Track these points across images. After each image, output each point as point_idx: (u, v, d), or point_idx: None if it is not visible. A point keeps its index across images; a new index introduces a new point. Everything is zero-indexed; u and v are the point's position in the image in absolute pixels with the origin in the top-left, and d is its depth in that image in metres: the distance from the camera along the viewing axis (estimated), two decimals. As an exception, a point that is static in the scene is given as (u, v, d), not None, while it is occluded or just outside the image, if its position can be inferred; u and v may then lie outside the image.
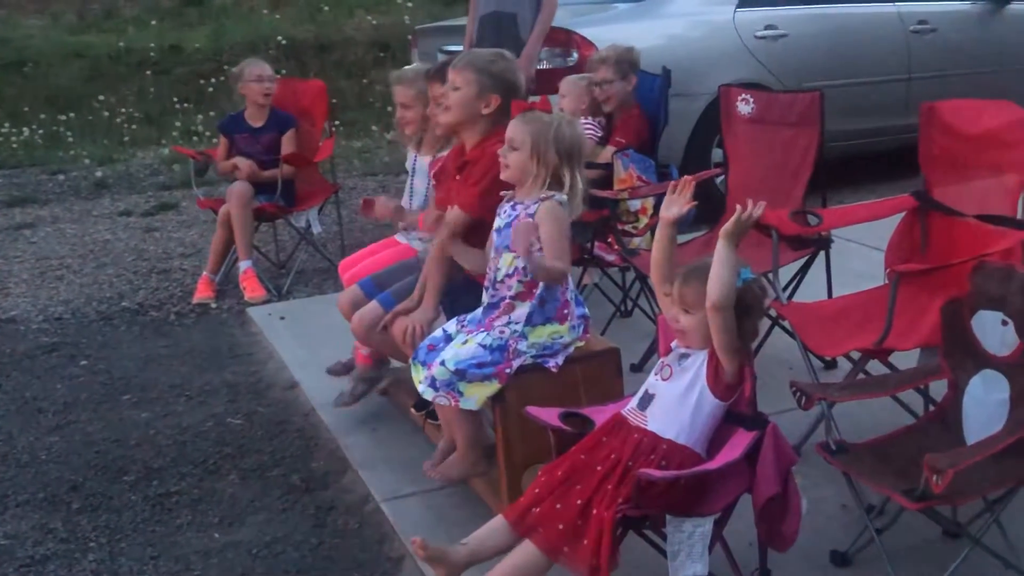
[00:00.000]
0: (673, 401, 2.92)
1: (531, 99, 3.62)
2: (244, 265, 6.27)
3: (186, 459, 4.37)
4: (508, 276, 3.43)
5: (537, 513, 2.82)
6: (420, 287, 3.89)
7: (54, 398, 5.04)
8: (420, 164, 4.66)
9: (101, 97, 12.19)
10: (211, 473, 4.25)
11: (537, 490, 2.88)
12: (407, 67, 4.89)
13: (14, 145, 11.16)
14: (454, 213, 3.78)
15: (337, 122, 10.55)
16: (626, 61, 5.31)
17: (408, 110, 4.69)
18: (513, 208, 3.44)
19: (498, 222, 3.48)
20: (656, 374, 2.99)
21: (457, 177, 3.85)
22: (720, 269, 2.80)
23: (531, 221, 3.29)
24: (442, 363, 3.37)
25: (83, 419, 4.80)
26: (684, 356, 2.95)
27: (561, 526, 2.75)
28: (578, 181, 3.38)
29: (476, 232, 3.73)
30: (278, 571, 3.55)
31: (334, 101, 9.91)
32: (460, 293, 3.80)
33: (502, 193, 3.52)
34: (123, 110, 11.97)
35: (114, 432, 4.66)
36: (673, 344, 3.02)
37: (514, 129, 3.40)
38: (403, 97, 4.69)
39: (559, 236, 3.33)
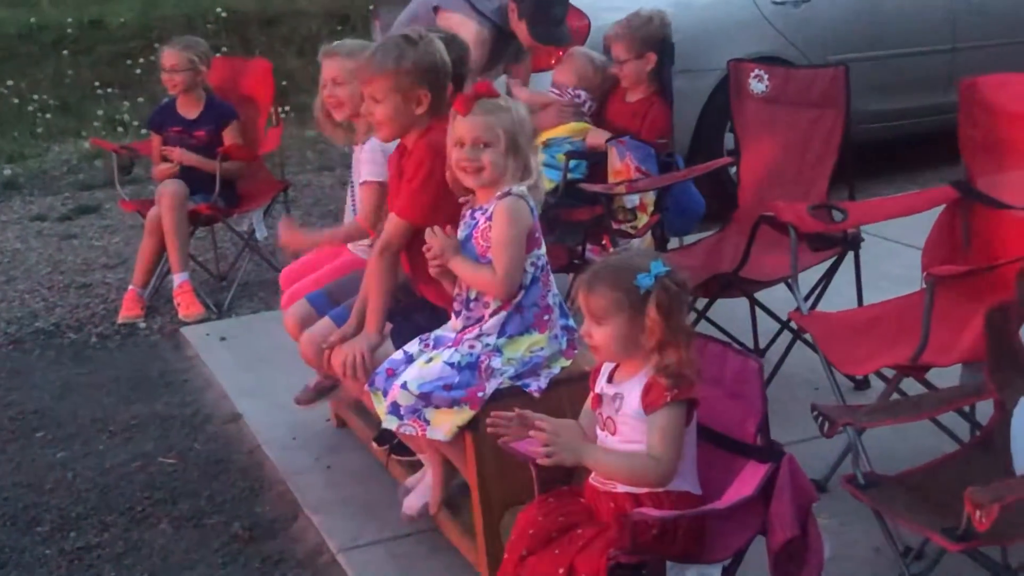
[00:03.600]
0: None
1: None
2: (179, 278, 6.29)
3: (109, 506, 4.39)
4: (483, 293, 3.47)
5: None
6: (359, 309, 3.91)
7: (-46, 436, 5.06)
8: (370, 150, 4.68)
9: (10, 82, 12.20)
10: (139, 522, 4.27)
11: (514, 563, 2.88)
12: (344, 41, 4.84)
13: (-94, 140, 11.17)
14: (389, 220, 3.80)
15: (287, 108, 10.56)
16: (639, 36, 5.26)
17: (341, 87, 4.46)
18: (472, 216, 3.48)
19: (460, 233, 3.51)
20: (601, 429, 2.94)
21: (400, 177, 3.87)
22: (609, 470, 2.84)
23: None
24: (404, 386, 3.39)
25: (-11, 461, 4.82)
26: (617, 397, 2.89)
27: None
28: (537, 160, 3.49)
29: (420, 241, 3.67)
30: (217, 636, 3.58)
31: (283, 83, 9.94)
32: (407, 313, 3.84)
33: (461, 200, 3.54)
34: (36, 97, 11.96)
35: (25, 476, 4.68)
36: (599, 388, 2.96)
37: (478, 125, 3.40)
38: (334, 71, 4.46)
39: (503, 235, 3.37)
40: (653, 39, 5.27)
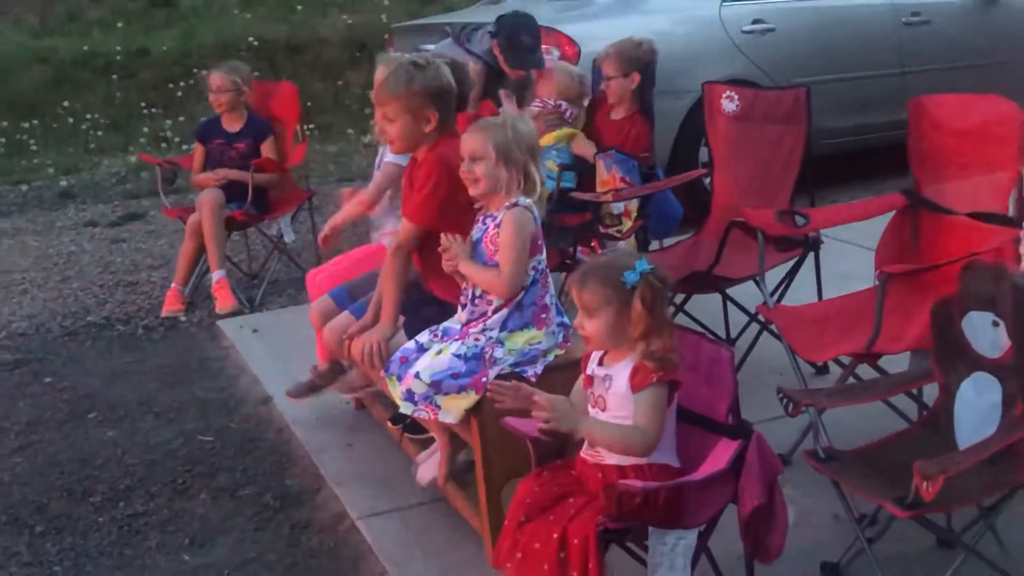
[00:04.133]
0: None
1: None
2: (216, 276, 6.28)
3: (154, 479, 4.39)
4: (488, 291, 3.46)
5: (520, 559, 2.82)
6: (375, 303, 3.90)
7: (17, 417, 5.05)
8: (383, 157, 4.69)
9: (66, 103, 12.16)
10: (181, 493, 4.27)
11: (513, 529, 2.88)
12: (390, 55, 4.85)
13: (-26, 154, 11.16)
14: (402, 224, 3.81)
15: (311, 125, 10.56)
16: (627, 57, 5.25)
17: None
18: (483, 222, 3.47)
19: (473, 235, 3.51)
20: (592, 406, 2.94)
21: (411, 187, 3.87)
22: (600, 438, 2.85)
23: None
24: (417, 375, 3.39)
25: (47, 439, 4.81)
26: (607, 378, 2.90)
27: (546, 566, 2.75)
28: (538, 174, 3.43)
29: (431, 242, 3.70)
30: (251, 592, 3.58)
31: (308, 104, 9.94)
32: (418, 307, 3.82)
33: (476, 206, 3.53)
34: (88, 116, 11.95)
35: (79, 452, 4.67)
36: (591, 369, 2.96)
37: (470, 142, 3.42)
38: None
39: (510, 242, 3.36)
40: (639, 61, 5.27)
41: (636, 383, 2.80)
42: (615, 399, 2.86)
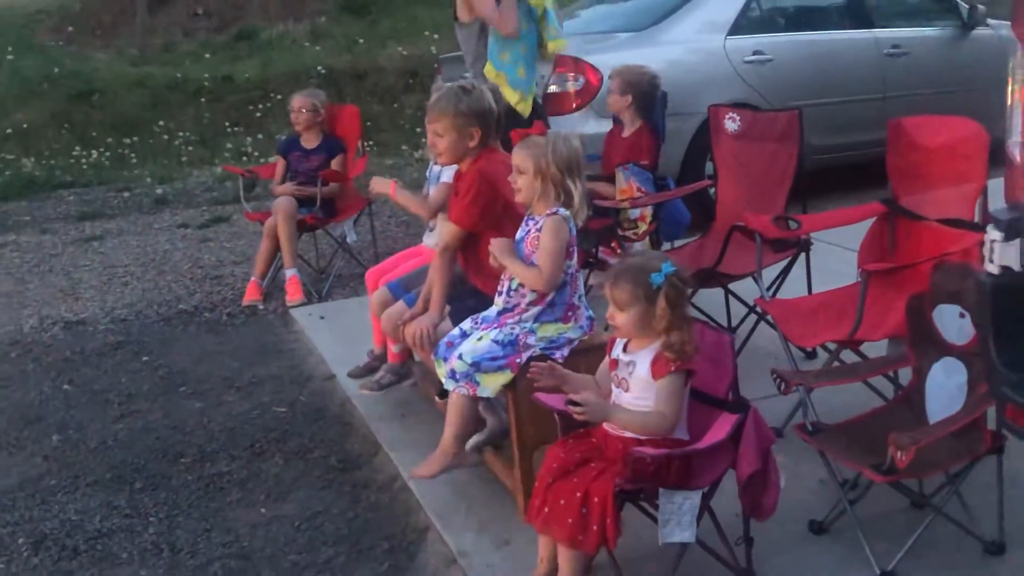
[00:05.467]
0: (639, 407, 2.89)
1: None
2: (289, 273, 6.31)
3: (236, 443, 4.41)
4: (523, 285, 3.46)
5: (547, 513, 2.84)
6: (425, 294, 3.91)
7: (119, 390, 5.09)
8: (436, 173, 4.69)
9: (161, 122, 12.26)
10: (258, 455, 4.29)
11: (542, 489, 2.89)
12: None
13: (84, 166, 11.23)
14: (447, 227, 3.82)
15: (371, 142, 10.58)
16: (627, 80, 5.25)
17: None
18: (527, 224, 3.48)
19: (517, 234, 3.51)
20: (617, 387, 2.95)
21: (456, 195, 3.88)
22: (628, 424, 2.85)
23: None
24: (460, 357, 3.40)
25: (145, 409, 4.85)
26: (631, 363, 2.90)
27: (570, 520, 2.76)
28: (579, 190, 3.39)
29: (473, 243, 3.73)
30: (318, 541, 3.59)
31: (368, 123, 9.97)
32: (462, 298, 3.83)
33: (526, 211, 3.52)
34: (181, 134, 12.04)
35: (172, 420, 4.70)
36: (617, 354, 2.96)
37: (517, 156, 3.43)
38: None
39: (548, 246, 3.35)
40: (635, 86, 5.25)
41: (657, 371, 2.81)
42: (638, 382, 2.86)
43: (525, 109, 5.45)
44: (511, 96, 5.57)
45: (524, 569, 3.11)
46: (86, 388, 5.15)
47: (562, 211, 3.37)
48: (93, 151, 11.63)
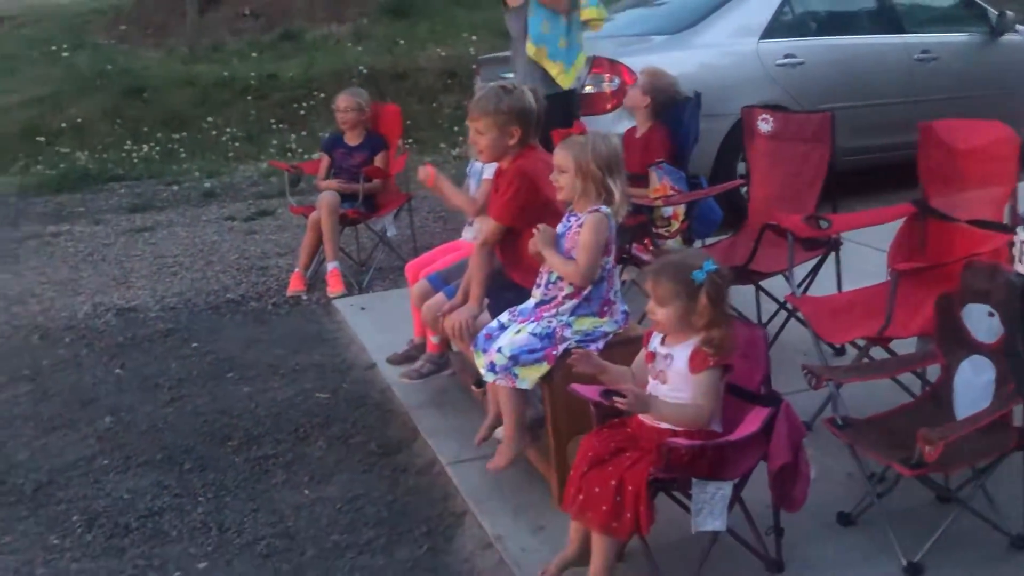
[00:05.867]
0: (675, 400, 2.89)
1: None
2: (331, 265, 6.33)
3: (281, 428, 4.44)
4: (560, 279, 3.46)
5: (582, 500, 2.84)
6: (464, 287, 3.91)
7: (169, 375, 5.14)
8: (477, 169, 4.70)
9: (209, 119, 12.32)
10: (302, 439, 4.32)
11: (577, 477, 2.89)
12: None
13: (135, 160, 11.32)
14: (486, 222, 3.83)
15: (410, 140, 10.60)
16: (653, 84, 5.22)
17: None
18: (568, 219, 3.48)
19: (558, 228, 3.50)
20: (654, 379, 2.94)
21: (496, 191, 3.89)
22: (667, 417, 2.84)
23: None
24: (499, 350, 3.41)
25: (194, 393, 4.89)
26: (668, 356, 2.89)
27: (605, 507, 2.77)
28: (619, 188, 3.38)
29: (511, 238, 3.74)
30: (359, 523, 3.61)
31: (407, 122, 9.97)
32: (500, 291, 3.83)
33: (567, 208, 3.52)
34: (228, 130, 12.10)
35: (219, 404, 4.74)
36: (654, 347, 2.95)
37: (558, 155, 3.43)
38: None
39: (587, 241, 3.35)
40: (658, 91, 5.22)
41: (695, 366, 2.81)
42: (675, 376, 2.86)
43: (565, 80, 5.44)
44: (551, 67, 5.57)
45: (557, 554, 3.12)
46: (137, 372, 5.21)
47: (604, 208, 3.37)
48: (144, 145, 11.71)
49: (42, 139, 11.79)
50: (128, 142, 11.79)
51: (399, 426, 4.37)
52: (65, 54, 14.52)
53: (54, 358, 5.49)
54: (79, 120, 12.22)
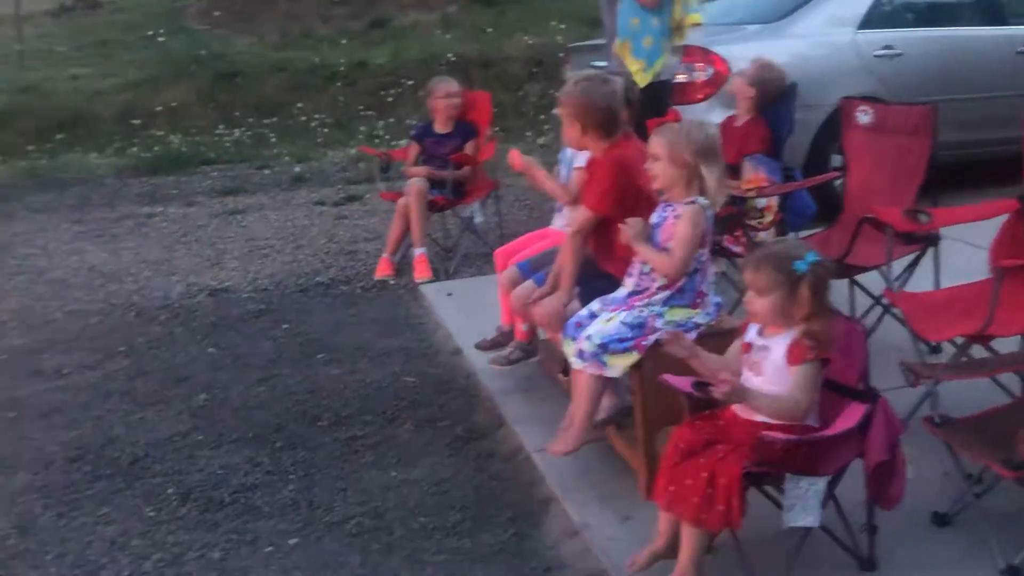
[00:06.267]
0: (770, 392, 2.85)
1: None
2: (418, 251, 6.38)
3: (369, 409, 4.50)
4: (655, 270, 3.43)
5: (673, 491, 2.82)
6: (554, 276, 3.91)
7: (261, 355, 5.24)
8: (568, 156, 4.69)
9: (299, 105, 12.51)
10: (390, 422, 4.37)
11: (668, 469, 2.88)
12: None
13: (227, 144, 11.54)
14: (579, 211, 3.82)
15: (496, 129, 10.59)
16: (762, 76, 5.15)
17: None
18: (663, 210, 3.46)
19: (652, 219, 3.48)
20: (748, 370, 2.90)
21: (590, 180, 3.87)
22: (763, 408, 2.80)
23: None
24: (588, 338, 3.40)
25: (284, 373, 4.98)
26: (765, 348, 2.85)
27: (696, 499, 2.75)
28: (715, 177, 3.35)
29: (603, 227, 3.72)
30: (446, 506, 3.65)
31: (493, 111, 9.98)
32: (591, 280, 3.81)
33: (661, 197, 3.50)
34: (317, 116, 12.26)
35: (309, 385, 4.82)
36: (751, 338, 2.91)
37: (652, 143, 3.41)
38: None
39: (684, 234, 3.32)
40: (765, 84, 5.14)
41: (793, 358, 2.77)
42: (771, 368, 2.82)
43: (642, 79, 5.39)
44: (632, 64, 5.55)
45: (644, 544, 3.10)
46: (230, 352, 5.32)
47: (701, 200, 3.34)
48: (236, 130, 11.95)
49: (137, 122, 12.09)
50: (221, 127, 12.02)
51: (485, 412, 4.39)
52: (161, 39, 14.85)
53: (149, 335, 5.63)
54: (173, 104, 12.50)
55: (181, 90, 12.89)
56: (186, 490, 3.89)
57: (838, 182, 5.17)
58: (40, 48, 15.64)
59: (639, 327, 3.37)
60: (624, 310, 3.43)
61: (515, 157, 4.26)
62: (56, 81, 13.57)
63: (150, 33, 15.46)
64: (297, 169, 10.25)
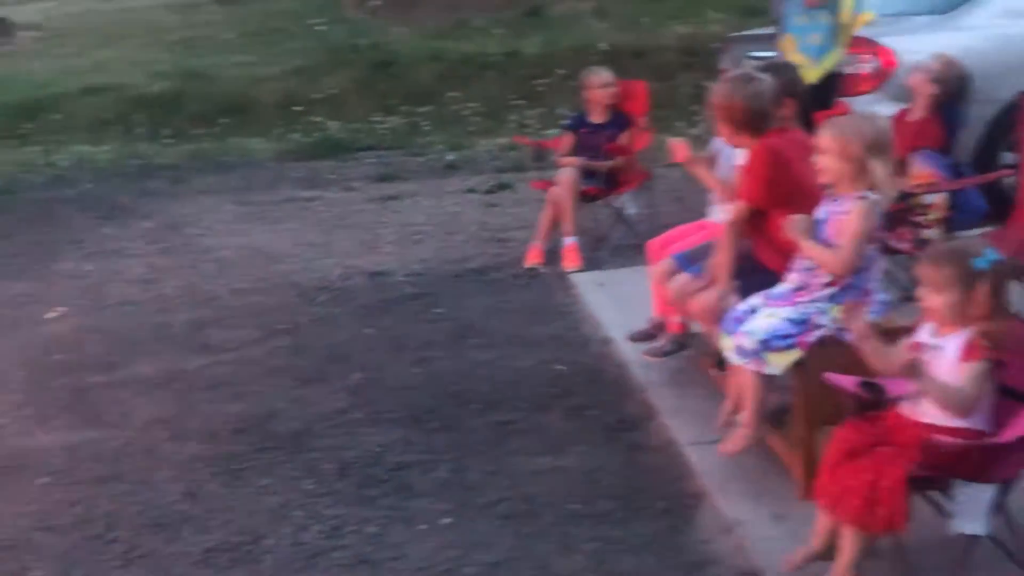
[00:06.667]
0: None
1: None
2: (569, 240, 6.39)
3: (519, 395, 4.54)
4: (819, 267, 3.36)
5: (835, 493, 2.78)
6: (712, 268, 3.87)
7: (415, 337, 5.35)
8: (728, 152, 4.62)
9: (452, 93, 12.68)
10: (539, 408, 4.40)
11: (830, 469, 2.83)
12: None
13: (383, 131, 11.79)
14: (736, 203, 3.76)
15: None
16: (944, 75, 5.06)
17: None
18: (830, 204, 3.38)
19: (817, 216, 3.42)
20: None
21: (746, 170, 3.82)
22: (932, 391, 2.71)
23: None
24: (748, 333, 3.36)
25: (438, 356, 5.07)
26: (937, 348, 2.76)
27: (858, 501, 2.69)
28: (885, 171, 3.25)
29: (762, 219, 3.66)
30: (597, 494, 3.66)
31: (647, 100, 9.93)
32: (750, 274, 3.76)
33: (827, 192, 3.43)
34: (469, 104, 12.40)
35: (461, 368, 4.89)
36: (923, 337, 2.82)
37: (821, 136, 3.34)
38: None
39: (854, 230, 3.25)
40: (946, 83, 5.02)
41: (967, 355, 2.68)
42: (943, 367, 2.73)
43: (812, 76, 5.26)
44: (797, 59, 5.44)
45: (799, 544, 3.06)
46: (385, 333, 5.45)
47: (871, 195, 3.25)
48: (391, 117, 12.20)
49: (298, 108, 12.48)
50: (377, 114, 12.29)
51: (635, 403, 4.38)
52: (322, 28, 15.29)
53: (309, 315, 5.83)
54: (332, 91, 12.85)
55: (340, 78, 13.25)
56: (344, 465, 4.01)
57: (1009, 180, 4.94)
58: (207, 35, 16.33)
59: (802, 323, 3.32)
60: (787, 306, 3.38)
61: (679, 148, 4.21)
62: (222, 67, 14.14)
63: (311, 22, 15.93)
64: (450, 157, 10.38)
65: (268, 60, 14.37)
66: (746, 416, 3.54)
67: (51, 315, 5.97)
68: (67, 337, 5.62)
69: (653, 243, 4.75)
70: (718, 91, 3.79)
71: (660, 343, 4.42)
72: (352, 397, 4.65)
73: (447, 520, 3.58)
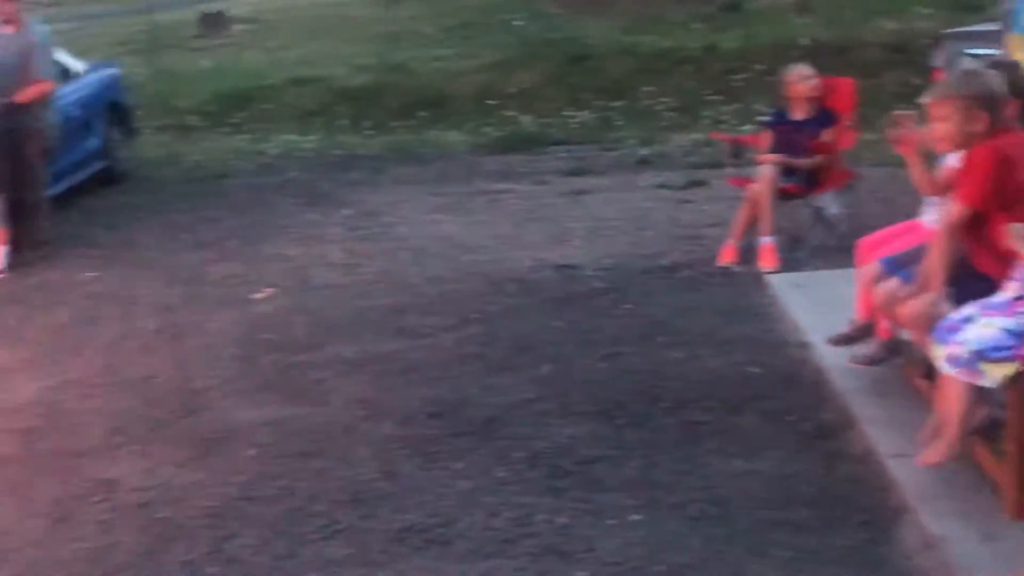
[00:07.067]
0: None
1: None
2: (766, 240, 6.24)
3: (711, 396, 4.47)
4: None
5: None
6: (924, 273, 3.70)
7: (604, 331, 5.33)
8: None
9: (645, 88, 12.59)
10: (733, 411, 4.32)
11: None
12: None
13: (574, 125, 11.81)
14: (953, 206, 3.58)
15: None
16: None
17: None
18: None
19: None
20: None
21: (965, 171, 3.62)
22: None
23: None
24: (963, 343, 3.21)
25: (627, 352, 5.04)
26: None
27: None
28: None
29: (981, 223, 3.48)
30: (792, 501, 3.59)
31: (850, 97, 9.60)
32: (966, 281, 3.58)
33: None
34: (663, 100, 12.28)
35: (651, 365, 4.85)
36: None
37: None
38: None
39: None
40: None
41: None
42: None
43: None
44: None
45: (1010, 567, 2.90)
46: (574, 327, 5.46)
47: None
48: (583, 112, 12.22)
49: (493, 102, 12.67)
50: (570, 108, 12.33)
51: (834, 410, 4.25)
52: (518, 23, 15.49)
53: (500, 305, 5.90)
54: (526, 85, 13.00)
55: (533, 72, 13.38)
56: (534, 454, 4.05)
57: None
58: (409, 29, 16.79)
59: (1021, 335, 3.14)
60: (1006, 316, 3.20)
61: (910, 137, 3.98)
62: (421, 61, 14.51)
63: (507, 17, 16.16)
64: (642, 152, 10.28)
65: (465, 54, 14.66)
66: (950, 428, 3.38)
67: (259, 296, 6.27)
68: (273, 317, 5.89)
69: (864, 243, 4.60)
70: (941, 87, 3.59)
71: (868, 349, 4.27)
72: (541, 388, 4.69)
73: (636, 517, 3.56)
